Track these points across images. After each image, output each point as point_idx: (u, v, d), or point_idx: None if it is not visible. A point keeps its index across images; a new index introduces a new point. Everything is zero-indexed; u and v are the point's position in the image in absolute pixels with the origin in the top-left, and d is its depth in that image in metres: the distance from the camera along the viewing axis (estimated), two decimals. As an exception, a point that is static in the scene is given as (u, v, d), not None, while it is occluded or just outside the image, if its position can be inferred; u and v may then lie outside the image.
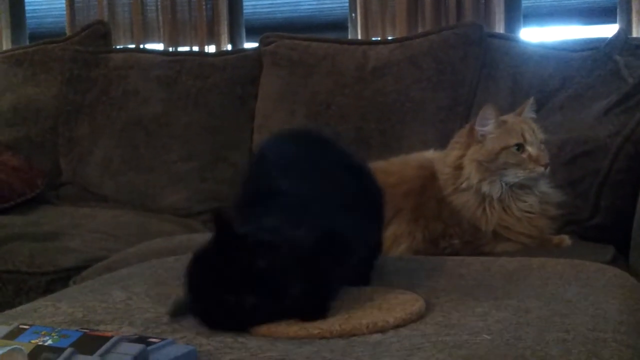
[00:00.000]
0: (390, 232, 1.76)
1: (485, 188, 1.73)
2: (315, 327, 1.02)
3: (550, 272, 1.34)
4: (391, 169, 1.87)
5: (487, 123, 1.74)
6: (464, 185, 1.74)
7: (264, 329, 1.02)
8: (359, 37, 3.05)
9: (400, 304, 1.11)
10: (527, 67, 2.36)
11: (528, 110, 1.78)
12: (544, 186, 1.78)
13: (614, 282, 1.29)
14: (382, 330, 1.03)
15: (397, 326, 1.04)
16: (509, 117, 1.78)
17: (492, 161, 1.72)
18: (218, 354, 0.96)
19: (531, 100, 1.80)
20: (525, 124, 1.73)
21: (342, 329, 1.02)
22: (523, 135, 1.70)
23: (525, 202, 1.75)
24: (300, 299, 1.03)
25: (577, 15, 2.97)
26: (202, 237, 1.14)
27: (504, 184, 1.72)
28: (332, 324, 1.02)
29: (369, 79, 2.49)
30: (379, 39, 3.00)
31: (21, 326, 0.94)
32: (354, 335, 1.01)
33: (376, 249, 1.32)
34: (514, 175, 1.71)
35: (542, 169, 1.70)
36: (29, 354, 0.87)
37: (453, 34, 2.48)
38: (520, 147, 1.71)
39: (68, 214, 2.43)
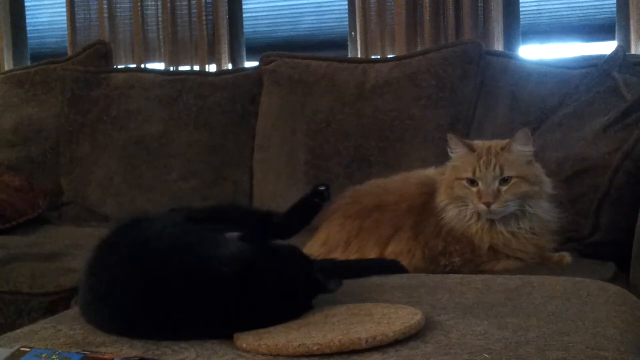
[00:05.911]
0: (390, 250, 1.76)
1: (452, 212, 1.74)
2: (314, 344, 1.01)
3: (551, 290, 1.34)
4: (391, 187, 1.88)
5: (454, 151, 1.77)
6: (440, 206, 1.76)
7: (263, 346, 1.02)
8: (359, 56, 3.07)
9: (399, 318, 1.11)
10: (526, 84, 2.37)
11: (519, 144, 1.72)
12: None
13: (615, 300, 1.29)
14: (382, 345, 1.03)
15: (396, 340, 1.04)
16: (481, 147, 1.75)
17: (451, 188, 1.75)
18: (219, 375, 0.96)
19: (523, 132, 1.72)
20: (485, 157, 1.71)
21: (341, 344, 1.01)
22: (474, 171, 1.71)
23: (516, 222, 1.74)
24: None
25: (576, 33, 2.98)
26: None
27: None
28: (332, 339, 1.02)
29: (368, 97, 2.49)
30: (379, 57, 3.01)
31: (22, 349, 0.94)
32: (354, 351, 1.01)
33: None
34: (469, 206, 1.72)
35: (484, 207, 1.69)
36: (30, 377, 0.87)
37: (452, 52, 2.48)
38: (473, 181, 1.72)
39: (70, 234, 2.43)
